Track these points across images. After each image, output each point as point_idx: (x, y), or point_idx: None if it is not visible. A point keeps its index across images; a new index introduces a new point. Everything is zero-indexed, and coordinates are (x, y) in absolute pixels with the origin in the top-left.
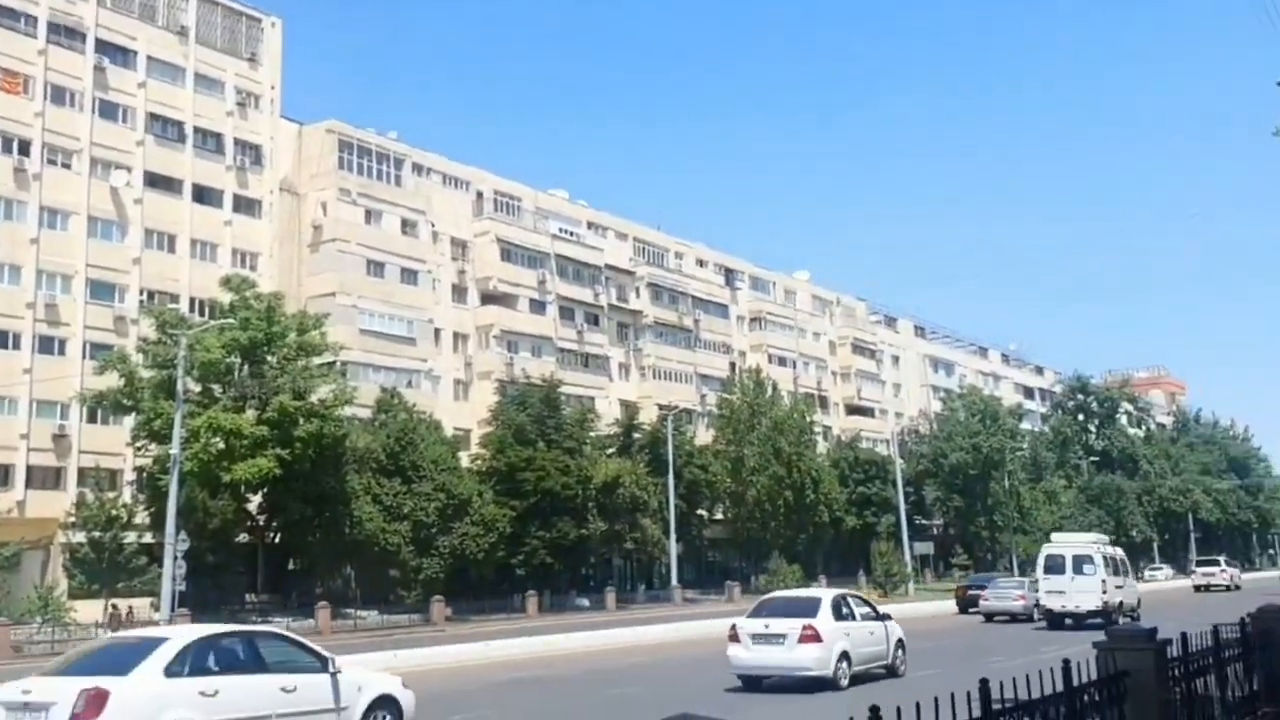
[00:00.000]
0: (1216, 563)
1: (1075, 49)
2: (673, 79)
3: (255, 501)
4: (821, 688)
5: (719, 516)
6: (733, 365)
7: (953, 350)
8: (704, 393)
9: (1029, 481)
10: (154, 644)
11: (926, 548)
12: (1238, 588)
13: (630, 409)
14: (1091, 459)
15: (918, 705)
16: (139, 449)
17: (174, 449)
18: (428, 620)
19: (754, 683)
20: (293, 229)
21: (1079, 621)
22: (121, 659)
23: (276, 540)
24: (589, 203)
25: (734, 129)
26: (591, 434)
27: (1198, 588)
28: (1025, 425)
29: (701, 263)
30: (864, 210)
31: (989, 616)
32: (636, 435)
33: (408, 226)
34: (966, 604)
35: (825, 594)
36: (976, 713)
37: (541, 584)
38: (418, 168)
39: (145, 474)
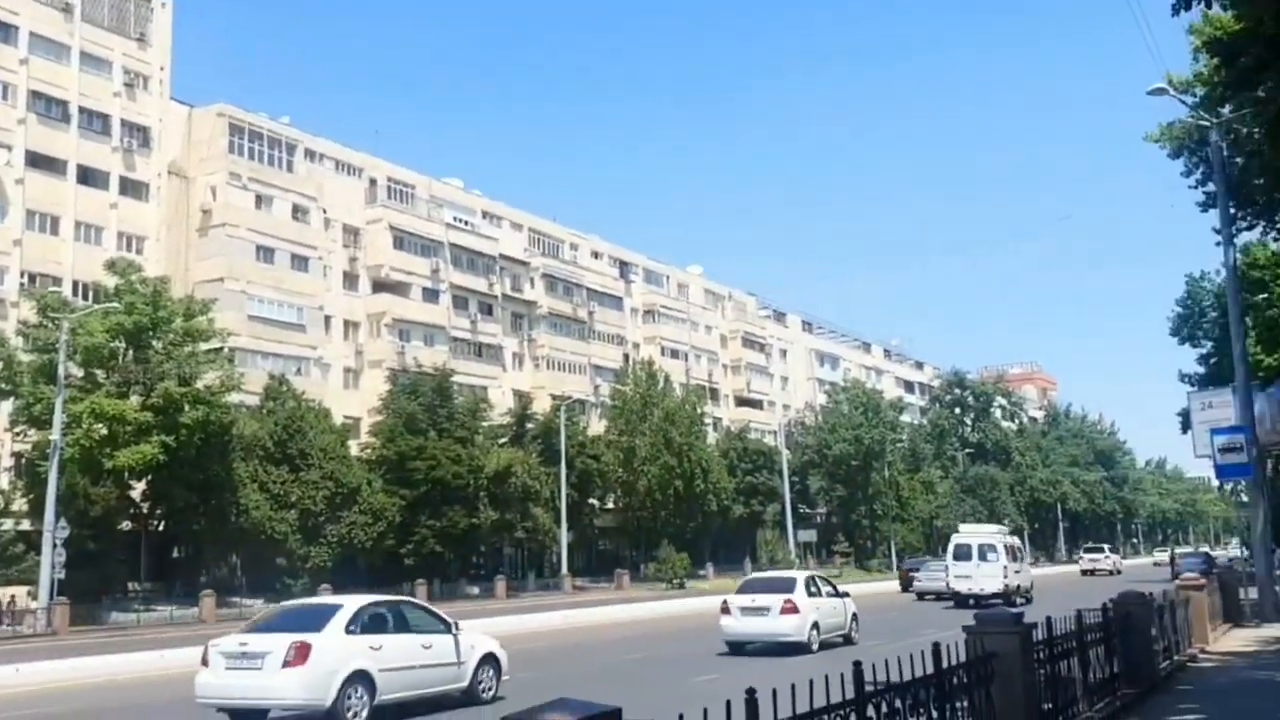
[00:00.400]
0: (1102, 549)
1: (951, 48)
2: (571, 70)
3: (139, 489)
4: (798, 651)
5: (610, 506)
6: (626, 357)
7: (838, 345)
8: (597, 383)
9: (908, 472)
10: (333, 609)
11: (810, 535)
12: (1119, 572)
13: (524, 399)
14: (967, 451)
15: (827, 678)
16: (17, 434)
17: (55, 435)
18: None
19: (739, 647)
20: (181, 213)
21: (980, 602)
22: (311, 620)
23: (161, 528)
24: (484, 192)
25: (631, 122)
26: (484, 423)
27: (1085, 572)
28: (905, 418)
29: (596, 255)
30: (756, 206)
31: (920, 595)
32: (529, 425)
33: (299, 212)
34: (906, 584)
35: (800, 574)
36: (850, 694)
37: (431, 573)
38: (310, 153)
39: (24, 460)
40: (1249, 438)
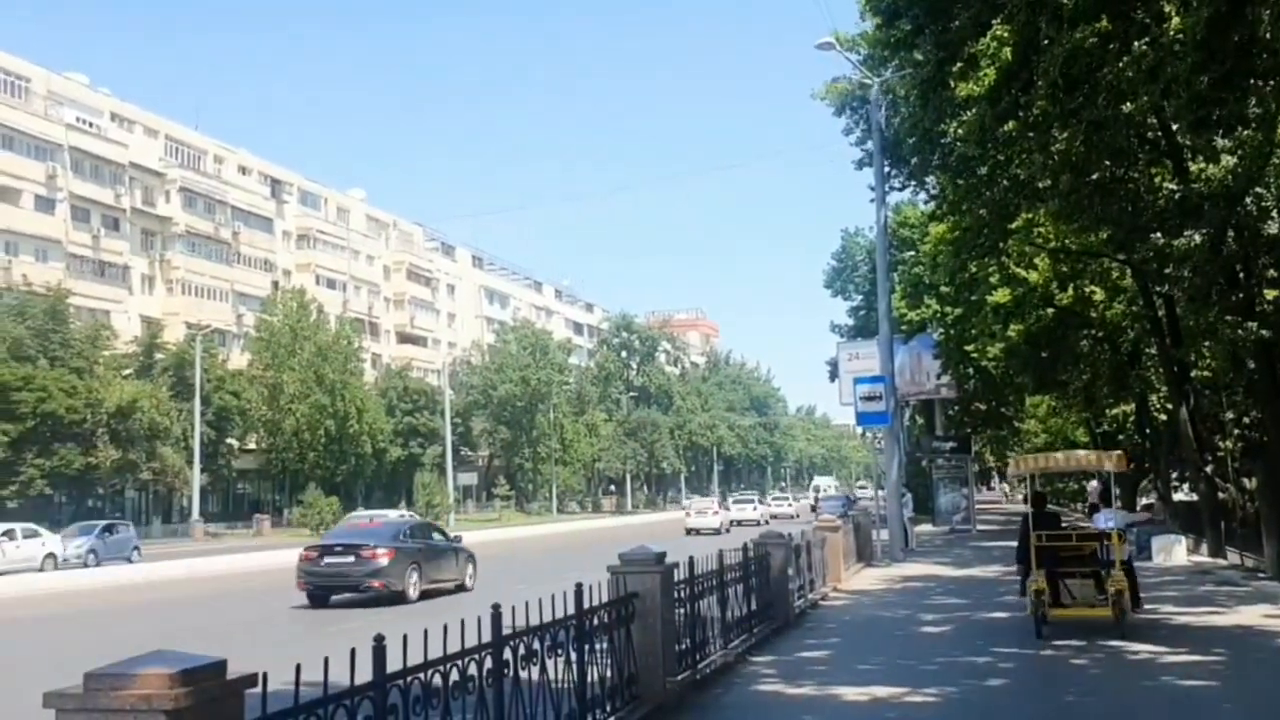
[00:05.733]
0: (751, 500)
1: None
2: None
3: None
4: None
5: (252, 446)
6: (275, 284)
7: (509, 283)
8: (241, 312)
9: (573, 414)
10: (394, 524)
11: (470, 479)
12: (768, 523)
13: (153, 326)
14: (631, 394)
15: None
16: None
17: None
18: None
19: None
20: None
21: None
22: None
23: None
24: (113, 91)
25: (291, 26)
26: (106, 352)
27: (734, 522)
28: (573, 360)
29: (244, 170)
30: (425, 131)
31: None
32: (160, 356)
33: None
34: None
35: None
36: (487, 638)
37: (39, 517)
38: None
39: None
40: (889, 387)
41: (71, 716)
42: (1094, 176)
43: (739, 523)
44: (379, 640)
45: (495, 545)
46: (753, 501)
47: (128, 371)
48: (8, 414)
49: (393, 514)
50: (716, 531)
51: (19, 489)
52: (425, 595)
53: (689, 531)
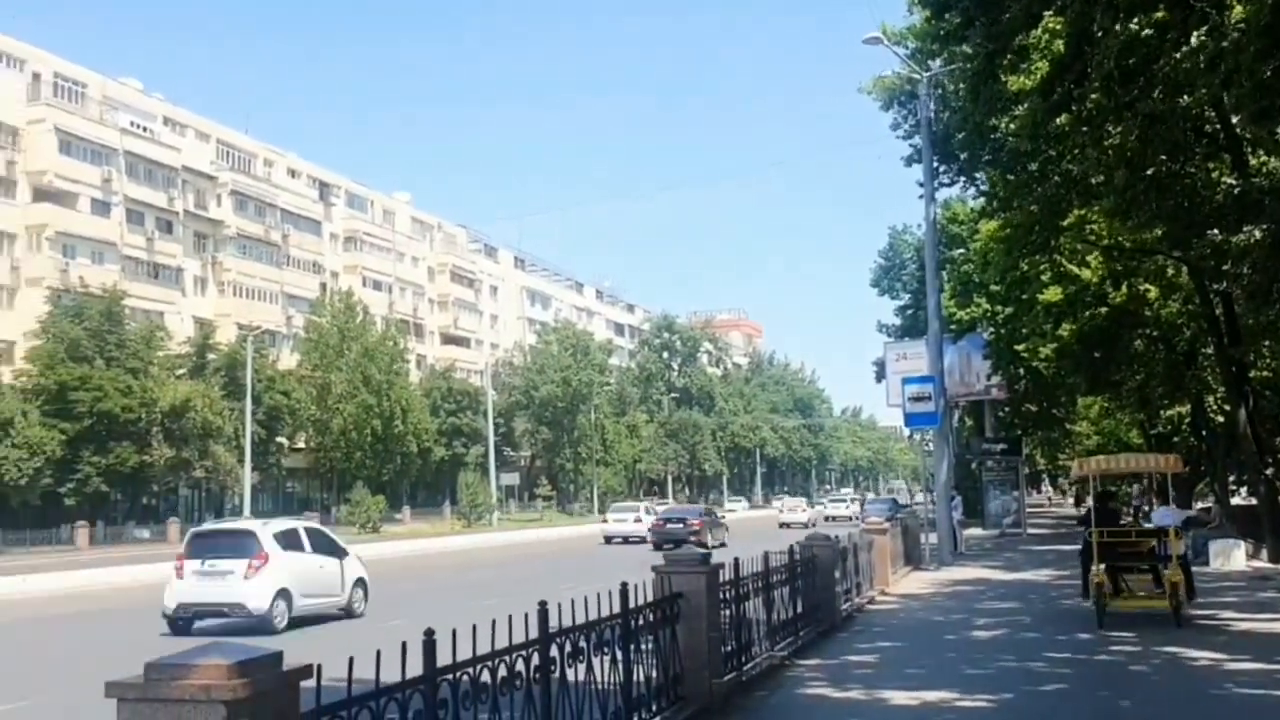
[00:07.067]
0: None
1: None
2: None
3: None
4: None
5: (301, 445)
6: (324, 286)
7: (551, 284)
8: (291, 314)
9: (614, 415)
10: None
11: (513, 479)
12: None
13: (206, 327)
14: (672, 395)
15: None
16: None
17: None
18: None
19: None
20: None
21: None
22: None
23: None
24: (166, 96)
25: (338, 31)
26: (160, 352)
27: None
28: (614, 361)
29: (294, 173)
30: (470, 135)
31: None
32: (212, 356)
33: None
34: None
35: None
36: (534, 635)
37: (96, 514)
38: None
39: None
40: (938, 388)
41: (133, 706)
42: (1149, 171)
43: (832, 519)
44: (429, 634)
45: (540, 545)
46: (846, 500)
47: (181, 371)
48: (66, 413)
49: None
50: (805, 526)
51: (76, 486)
52: (297, 623)
53: (781, 525)
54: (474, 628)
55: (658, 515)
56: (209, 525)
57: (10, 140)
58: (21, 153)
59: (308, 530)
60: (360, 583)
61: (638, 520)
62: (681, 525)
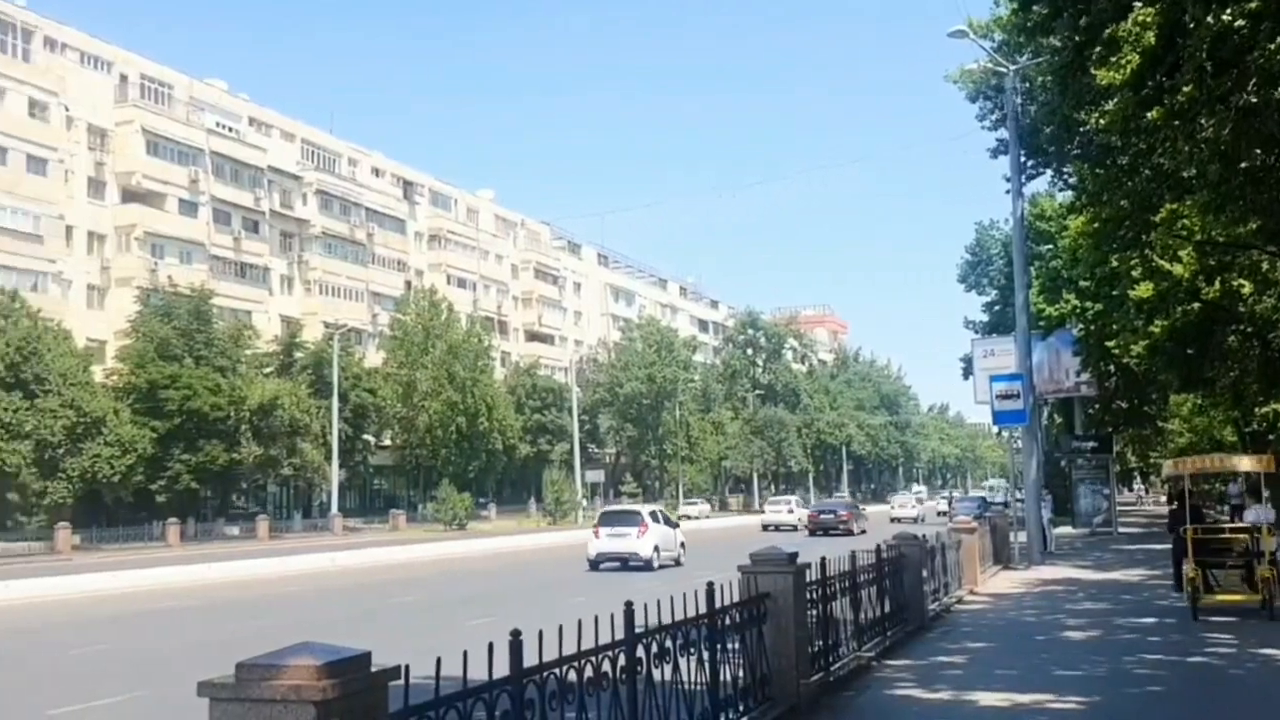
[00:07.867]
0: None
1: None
2: None
3: None
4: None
5: (387, 442)
6: (408, 284)
7: (634, 280)
8: (376, 312)
9: (698, 412)
10: (638, 511)
11: (598, 476)
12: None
13: (292, 325)
14: (757, 392)
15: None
16: None
17: None
18: (53, 549)
19: (898, 521)
20: None
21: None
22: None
23: None
24: (251, 96)
25: (420, 29)
26: (247, 351)
27: (894, 520)
28: (699, 358)
29: (378, 172)
30: (554, 132)
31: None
32: (299, 354)
33: (36, 108)
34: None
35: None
36: (620, 636)
37: (186, 511)
38: (51, 42)
39: None
40: (1026, 385)
41: (225, 705)
42: (1243, 165)
43: (898, 520)
44: (515, 635)
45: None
46: (912, 499)
47: (269, 370)
48: (156, 411)
49: None
50: (915, 520)
51: (167, 484)
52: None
53: (893, 520)
54: (560, 628)
55: (810, 507)
56: (613, 507)
57: (99, 141)
58: (110, 154)
59: (661, 512)
60: (683, 545)
61: (790, 511)
62: (833, 515)
